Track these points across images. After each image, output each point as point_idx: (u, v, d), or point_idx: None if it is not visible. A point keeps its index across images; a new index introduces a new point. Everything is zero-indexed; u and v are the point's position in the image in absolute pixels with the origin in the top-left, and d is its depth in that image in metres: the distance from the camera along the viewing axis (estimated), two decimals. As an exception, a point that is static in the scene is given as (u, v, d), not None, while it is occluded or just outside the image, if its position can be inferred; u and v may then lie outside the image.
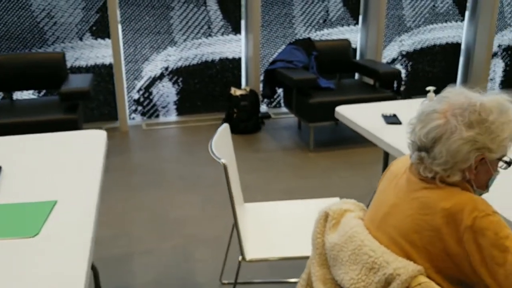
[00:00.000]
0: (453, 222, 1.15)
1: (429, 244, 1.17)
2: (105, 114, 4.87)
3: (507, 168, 1.26)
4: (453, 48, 5.68)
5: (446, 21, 5.58)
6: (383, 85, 4.89)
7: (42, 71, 4.05)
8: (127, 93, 4.92)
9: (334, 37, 5.29)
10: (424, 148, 1.22)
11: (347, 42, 4.73)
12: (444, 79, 5.76)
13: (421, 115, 1.25)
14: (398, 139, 2.21)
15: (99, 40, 4.66)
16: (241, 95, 4.61)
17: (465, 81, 5.84)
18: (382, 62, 5.01)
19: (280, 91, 5.23)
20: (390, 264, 1.17)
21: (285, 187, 3.53)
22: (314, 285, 1.37)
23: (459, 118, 1.19)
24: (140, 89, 4.94)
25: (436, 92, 5.77)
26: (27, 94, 4.61)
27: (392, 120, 2.45)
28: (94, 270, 2.44)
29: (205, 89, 5.09)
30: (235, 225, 1.85)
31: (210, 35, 4.97)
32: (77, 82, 3.88)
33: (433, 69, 5.69)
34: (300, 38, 5.07)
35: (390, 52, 5.53)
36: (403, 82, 5.58)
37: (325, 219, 1.43)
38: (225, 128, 2.19)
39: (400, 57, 5.57)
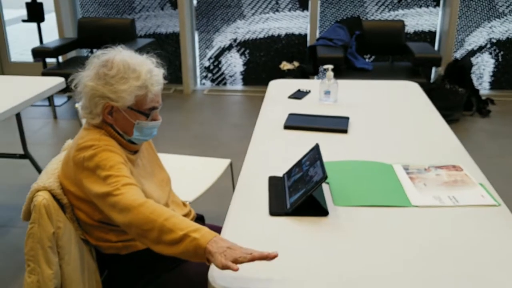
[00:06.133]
0: (79, 154, 1.37)
1: (71, 171, 1.41)
2: (180, 77, 5.50)
3: (147, 120, 1.42)
4: (560, 39, 4.90)
5: (551, 7, 4.83)
6: (449, 75, 4.57)
7: (114, 33, 4.81)
8: (199, 61, 5.45)
9: (410, 18, 5.02)
10: None
11: (400, 24, 4.51)
12: (543, 74, 5.03)
13: None
14: (272, 112, 2.29)
15: (177, 10, 5.25)
16: (288, 70, 4.77)
17: None
18: (430, 47, 4.65)
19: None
20: (39, 180, 1.44)
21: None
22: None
23: (95, 70, 1.39)
24: (210, 58, 5.43)
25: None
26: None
27: (297, 95, 2.50)
28: None
29: (271, 62, 5.34)
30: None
31: (277, 10, 5.18)
32: (135, 45, 4.52)
33: (530, 61, 5.00)
34: (350, 16, 4.96)
35: (476, 39, 5.03)
36: (473, 73, 5.01)
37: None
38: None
39: (489, 45, 5.03)
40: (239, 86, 5.48)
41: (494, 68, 5.09)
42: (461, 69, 4.53)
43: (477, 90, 4.63)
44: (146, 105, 1.42)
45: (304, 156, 1.60)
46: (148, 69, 1.40)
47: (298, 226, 1.38)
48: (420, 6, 4.99)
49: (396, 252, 1.26)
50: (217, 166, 2.47)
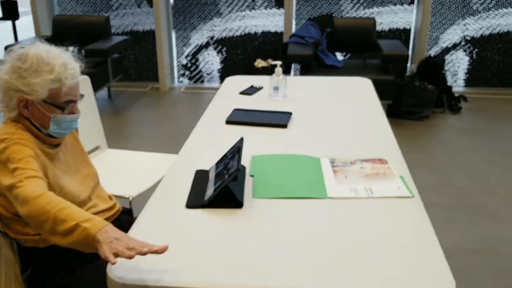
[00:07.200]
0: None
1: None
2: (157, 75, 5.50)
3: (63, 113, 1.43)
4: (533, 37, 4.92)
5: (524, 5, 4.85)
6: (421, 72, 4.58)
7: (89, 31, 4.81)
8: (176, 58, 5.46)
9: (384, 16, 5.04)
10: None
11: (371, 21, 4.52)
12: (517, 71, 5.05)
13: None
14: (219, 107, 2.31)
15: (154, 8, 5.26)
16: (262, 67, 4.78)
17: (545, 76, 5.02)
18: (400, 44, 4.65)
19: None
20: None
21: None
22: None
23: (10, 63, 1.41)
24: (187, 55, 5.45)
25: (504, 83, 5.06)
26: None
27: (248, 91, 2.52)
28: None
29: (247, 60, 5.35)
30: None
31: (254, 8, 5.19)
32: (107, 42, 4.54)
33: (504, 58, 5.02)
34: (322, 14, 4.99)
35: (451, 37, 5.05)
36: (446, 71, 5.02)
37: None
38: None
39: (463, 43, 5.05)
40: (216, 83, 5.49)
41: (469, 65, 5.12)
42: (433, 66, 4.55)
43: (450, 87, 4.65)
44: (61, 98, 1.43)
45: (229, 150, 1.62)
46: (62, 62, 1.41)
47: (212, 218, 1.40)
48: (395, 4, 5.01)
49: (304, 241, 1.28)
50: (167, 161, 2.49)
